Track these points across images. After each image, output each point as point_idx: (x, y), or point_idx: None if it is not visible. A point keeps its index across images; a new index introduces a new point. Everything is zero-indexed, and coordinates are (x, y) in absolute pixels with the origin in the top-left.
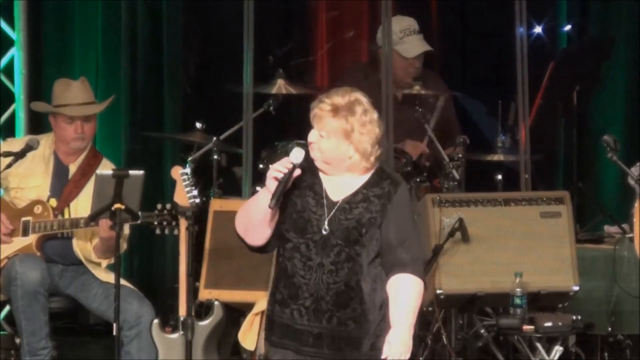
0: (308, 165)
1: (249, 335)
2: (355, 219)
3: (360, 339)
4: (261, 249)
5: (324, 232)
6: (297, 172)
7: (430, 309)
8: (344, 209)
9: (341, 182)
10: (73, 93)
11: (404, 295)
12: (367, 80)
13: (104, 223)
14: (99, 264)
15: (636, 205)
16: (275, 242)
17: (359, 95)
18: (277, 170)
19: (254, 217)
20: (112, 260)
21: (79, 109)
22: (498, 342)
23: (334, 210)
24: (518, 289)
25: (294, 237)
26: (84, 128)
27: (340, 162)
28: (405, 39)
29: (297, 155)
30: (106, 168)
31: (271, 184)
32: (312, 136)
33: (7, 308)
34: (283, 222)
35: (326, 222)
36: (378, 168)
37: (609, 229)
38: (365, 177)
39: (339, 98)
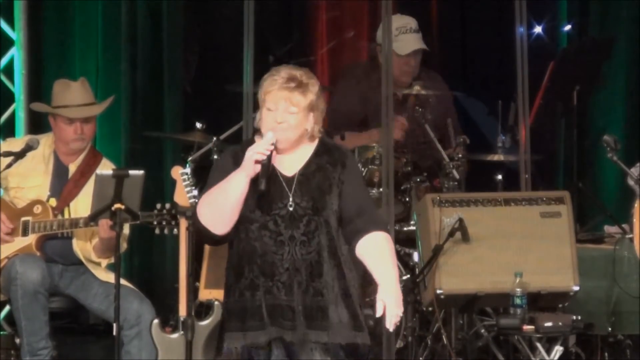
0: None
1: None
2: (317, 187)
3: (329, 306)
4: (223, 239)
5: (289, 208)
6: (274, 153)
7: (430, 309)
8: (301, 181)
9: (289, 158)
10: (72, 94)
11: (379, 252)
12: (366, 79)
13: (104, 223)
14: (99, 264)
15: (636, 205)
16: (236, 227)
17: (301, 68)
18: (260, 152)
19: (226, 203)
20: (112, 260)
21: (79, 110)
22: (498, 342)
23: (293, 185)
24: (518, 289)
25: (260, 216)
26: (83, 129)
27: (303, 135)
28: (400, 37)
29: (272, 137)
30: (106, 168)
31: (251, 167)
32: (282, 116)
33: (7, 308)
34: (245, 205)
35: (290, 198)
36: (321, 139)
37: (609, 229)
38: (311, 148)
39: (294, 72)
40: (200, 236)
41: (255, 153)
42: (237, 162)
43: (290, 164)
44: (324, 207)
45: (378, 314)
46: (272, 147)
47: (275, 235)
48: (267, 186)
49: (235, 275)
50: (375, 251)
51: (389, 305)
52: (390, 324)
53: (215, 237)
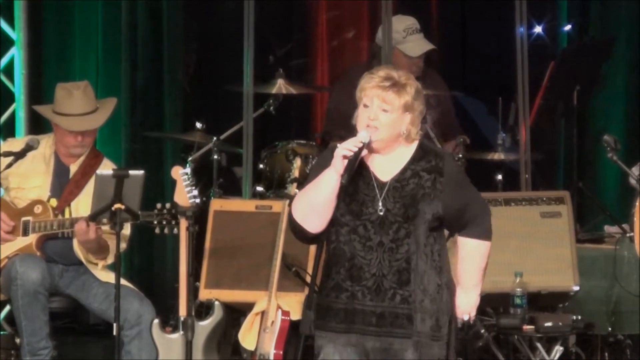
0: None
1: (249, 335)
2: (410, 195)
3: (414, 315)
4: (317, 237)
5: (380, 213)
6: (364, 152)
7: None
8: (395, 187)
9: (385, 161)
10: (74, 103)
11: (466, 259)
12: None
13: (79, 228)
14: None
15: (637, 204)
16: (329, 228)
17: (402, 71)
18: (347, 148)
19: (317, 199)
20: (109, 262)
21: (79, 122)
22: (498, 342)
23: (385, 190)
24: (518, 289)
25: (350, 220)
26: (84, 137)
27: (398, 136)
28: (409, 38)
29: (364, 135)
30: (107, 168)
31: (340, 163)
32: (375, 113)
33: (7, 308)
34: (337, 208)
35: (380, 203)
36: (420, 142)
37: (609, 229)
38: (409, 153)
39: (393, 72)
40: (294, 233)
41: (343, 149)
42: None
43: (387, 169)
44: (416, 215)
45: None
46: (361, 145)
47: (365, 240)
48: (348, 182)
49: (326, 275)
50: (467, 257)
51: (459, 307)
52: (462, 317)
53: (308, 235)
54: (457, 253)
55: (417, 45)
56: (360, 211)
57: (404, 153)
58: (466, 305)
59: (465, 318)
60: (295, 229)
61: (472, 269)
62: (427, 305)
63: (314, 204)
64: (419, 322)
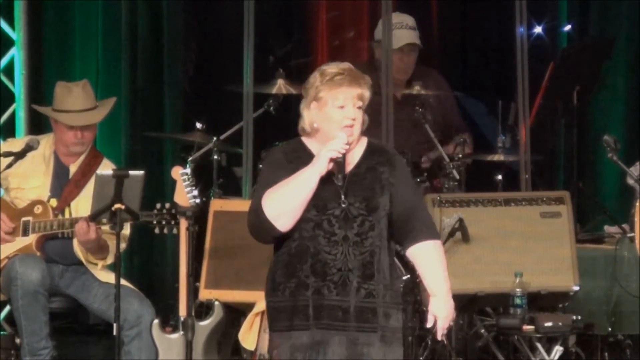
0: (298, 152)
1: (249, 335)
2: (369, 187)
3: (378, 309)
4: (280, 237)
5: (342, 205)
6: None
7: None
8: (353, 181)
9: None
10: (73, 99)
11: (432, 263)
12: None
13: (79, 228)
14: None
15: (637, 204)
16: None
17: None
18: (336, 150)
19: (295, 198)
20: (108, 262)
21: (78, 117)
22: (498, 342)
23: (345, 185)
24: (518, 289)
25: (315, 215)
26: (83, 134)
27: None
28: (394, 32)
29: (344, 136)
30: (106, 168)
31: (324, 164)
32: (354, 112)
33: (7, 308)
34: None
35: (342, 197)
36: (369, 141)
37: (609, 229)
38: (360, 150)
39: (350, 67)
40: (257, 232)
41: (331, 151)
42: (290, 159)
43: None
44: (377, 208)
45: (429, 325)
46: (348, 146)
47: (329, 235)
48: (342, 182)
49: (285, 274)
50: (429, 262)
51: (440, 318)
52: (440, 335)
53: (276, 234)
54: (418, 264)
55: (398, 38)
56: (324, 206)
57: (355, 150)
58: (448, 317)
59: (444, 331)
60: (263, 227)
61: (439, 272)
62: (389, 299)
63: (291, 202)
64: (381, 316)
